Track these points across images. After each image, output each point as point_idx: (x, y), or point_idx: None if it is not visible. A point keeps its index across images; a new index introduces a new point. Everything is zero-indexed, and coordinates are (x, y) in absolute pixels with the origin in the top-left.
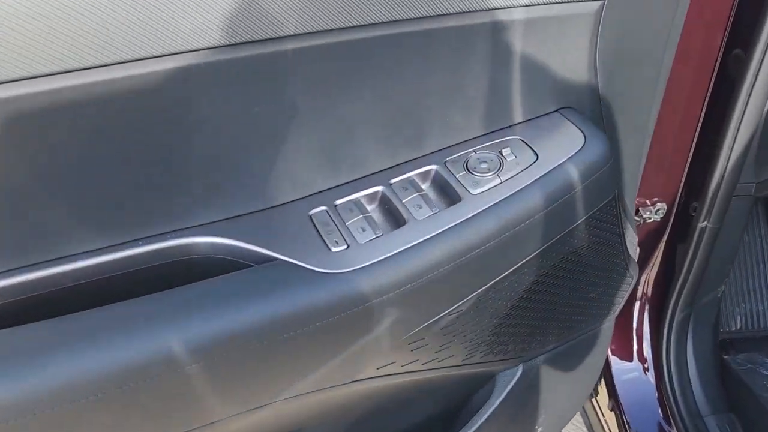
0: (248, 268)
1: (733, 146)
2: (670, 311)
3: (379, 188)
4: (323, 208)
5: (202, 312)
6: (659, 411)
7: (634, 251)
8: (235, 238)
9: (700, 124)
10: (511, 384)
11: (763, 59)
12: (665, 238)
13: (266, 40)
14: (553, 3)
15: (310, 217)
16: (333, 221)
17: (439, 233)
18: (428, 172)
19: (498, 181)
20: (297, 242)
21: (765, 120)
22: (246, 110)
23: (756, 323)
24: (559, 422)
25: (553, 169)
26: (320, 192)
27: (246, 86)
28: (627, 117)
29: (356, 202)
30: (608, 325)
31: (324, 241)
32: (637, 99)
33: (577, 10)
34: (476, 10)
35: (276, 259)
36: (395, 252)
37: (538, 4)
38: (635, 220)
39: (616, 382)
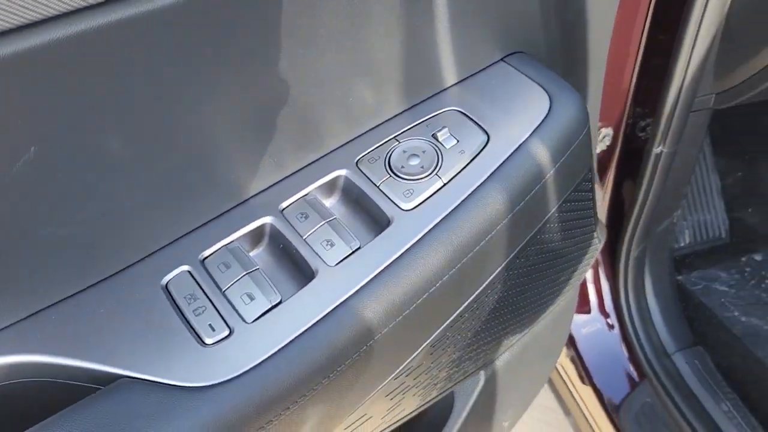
0: (69, 410)
1: (692, 53)
2: (624, 248)
3: (266, 220)
4: (184, 269)
5: None
6: (624, 355)
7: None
8: (35, 350)
9: (646, 29)
10: (473, 398)
11: None
12: (613, 168)
13: None
14: None
15: (165, 287)
16: (201, 289)
17: (367, 284)
18: (334, 181)
19: (439, 183)
20: (147, 338)
21: (726, 16)
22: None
23: (705, 234)
24: (525, 405)
25: (513, 152)
26: (175, 242)
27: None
28: (585, 51)
29: (233, 250)
30: (573, 293)
31: (191, 329)
32: (597, 23)
33: None
34: None
35: (117, 376)
36: (306, 327)
37: None
38: None
39: (574, 332)
